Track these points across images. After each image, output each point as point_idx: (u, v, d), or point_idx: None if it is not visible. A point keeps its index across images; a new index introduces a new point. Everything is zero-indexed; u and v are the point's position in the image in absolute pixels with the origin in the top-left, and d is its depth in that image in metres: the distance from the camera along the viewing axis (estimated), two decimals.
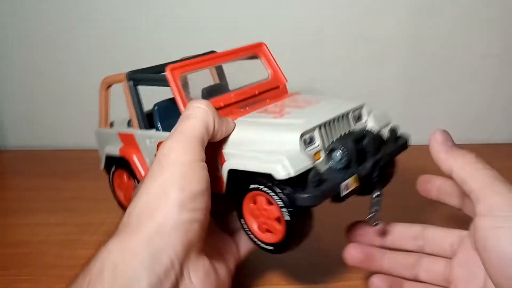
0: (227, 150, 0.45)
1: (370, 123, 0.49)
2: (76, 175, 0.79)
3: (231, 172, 0.44)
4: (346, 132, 0.46)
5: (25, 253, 0.58)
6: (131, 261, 0.35)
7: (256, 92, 0.52)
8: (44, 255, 0.58)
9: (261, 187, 0.42)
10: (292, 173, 0.40)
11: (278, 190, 0.41)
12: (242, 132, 0.45)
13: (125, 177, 0.60)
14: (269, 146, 0.42)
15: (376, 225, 0.46)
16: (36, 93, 0.90)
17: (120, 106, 0.62)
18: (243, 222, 0.45)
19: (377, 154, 0.45)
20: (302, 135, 0.42)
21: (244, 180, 0.44)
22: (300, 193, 0.40)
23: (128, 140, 0.57)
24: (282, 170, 0.40)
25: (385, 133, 0.50)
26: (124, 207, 0.62)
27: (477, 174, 0.39)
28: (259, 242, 0.45)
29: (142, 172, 0.56)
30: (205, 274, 0.40)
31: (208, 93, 0.50)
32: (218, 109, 0.46)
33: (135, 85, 0.54)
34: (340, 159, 0.43)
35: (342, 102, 0.48)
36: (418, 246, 0.45)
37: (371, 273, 0.53)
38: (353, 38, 0.85)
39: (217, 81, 0.60)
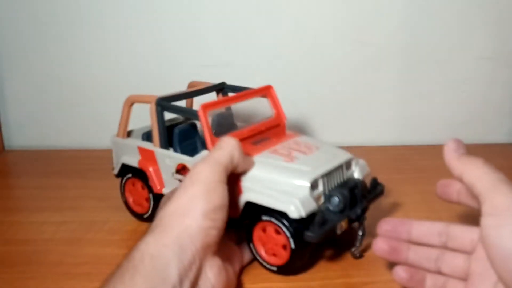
0: (245, 183, 0.53)
1: (356, 171, 0.58)
2: (81, 174, 0.79)
3: (247, 203, 0.53)
4: (342, 180, 0.55)
5: (30, 251, 0.59)
6: (164, 252, 0.43)
7: (263, 129, 0.61)
8: (49, 253, 0.58)
9: (273, 219, 0.51)
10: (303, 214, 0.49)
11: (287, 224, 0.50)
12: (259, 171, 0.53)
13: (139, 186, 0.64)
14: (283, 186, 0.51)
15: (360, 257, 0.55)
16: (41, 93, 0.90)
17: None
18: (252, 246, 0.54)
19: (363, 200, 0.55)
20: (311, 182, 0.51)
21: (256, 211, 0.52)
22: (308, 232, 0.49)
23: (147, 155, 0.62)
24: (295, 211, 0.49)
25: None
26: (130, 208, 0.66)
27: (484, 178, 0.42)
28: (264, 264, 0.54)
29: (158, 185, 0.61)
30: (218, 271, 0.46)
31: (219, 123, 0.59)
32: None
33: (162, 110, 0.60)
34: (337, 204, 0.52)
35: (337, 152, 0.58)
36: (442, 241, 0.48)
37: (367, 272, 0.54)
38: (349, 42, 0.85)
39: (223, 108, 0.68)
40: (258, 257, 0.54)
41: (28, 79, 0.90)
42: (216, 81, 0.69)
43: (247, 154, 0.54)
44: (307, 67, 0.87)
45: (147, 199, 0.63)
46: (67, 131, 0.92)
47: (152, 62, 0.87)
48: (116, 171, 0.66)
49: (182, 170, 0.58)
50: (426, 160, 0.82)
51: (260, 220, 0.52)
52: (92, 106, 0.90)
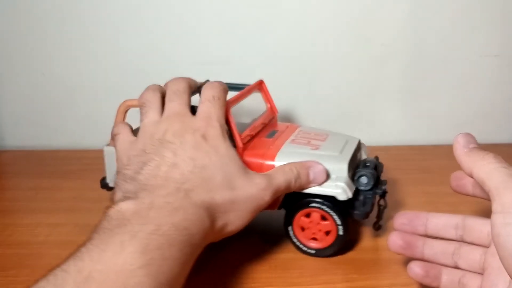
0: None
1: (363, 153, 0.63)
2: (76, 175, 0.78)
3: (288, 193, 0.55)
4: (359, 161, 0.60)
5: (24, 253, 0.58)
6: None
7: (267, 122, 0.64)
8: (43, 256, 0.57)
9: (323, 206, 0.54)
10: (350, 195, 0.53)
11: (337, 211, 0.54)
12: (290, 161, 0.55)
13: None
14: None
15: (379, 228, 0.59)
16: (35, 93, 0.89)
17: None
18: (290, 229, 0.56)
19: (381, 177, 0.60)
20: (347, 165, 0.55)
21: (296, 199, 0.55)
22: (357, 211, 0.54)
23: None
24: (343, 193, 0.53)
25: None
26: None
27: (494, 173, 0.40)
28: (301, 246, 0.56)
29: None
30: None
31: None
32: (251, 139, 0.58)
33: None
34: (367, 183, 0.56)
35: (346, 137, 0.62)
36: (458, 235, 0.48)
37: (370, 276, 0.53)
38: (352, 38, 0.85)
39: None
40: (295, 241, 0.56)
41: (22, 79, 0.89)
42: (214, 78, 0.68)
43: (269, 147, 0.57)
44: (308, 65, 0.86)
45: None
46: (61, 131, 0.91)
47: (148, 61, 0.86)
48: (113, 183, 0.59)
49: None
50: (430, 160, 0.82)
51: (307, 207, 0.55)
52: (87, 106, 0.89)
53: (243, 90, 0.61)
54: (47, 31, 0.85)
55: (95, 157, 0.83)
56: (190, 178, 0.47)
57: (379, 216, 0.58)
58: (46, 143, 0.91)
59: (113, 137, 0.56)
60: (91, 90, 0.89)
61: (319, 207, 0.54)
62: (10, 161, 0.88)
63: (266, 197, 0.50)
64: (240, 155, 0.55)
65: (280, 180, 0.52)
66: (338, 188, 0.53)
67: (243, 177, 0.50)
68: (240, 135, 0.56)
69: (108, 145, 0.60)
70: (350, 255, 0.57)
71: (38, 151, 0.90)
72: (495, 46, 0.85)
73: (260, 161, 0.55)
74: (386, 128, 0.90)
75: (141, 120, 0.54)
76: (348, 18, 0.84)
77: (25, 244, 0.60)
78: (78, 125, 0.91)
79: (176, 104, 0.53)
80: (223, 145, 0.51)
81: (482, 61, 0.86)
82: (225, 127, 0.53)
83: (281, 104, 0.68)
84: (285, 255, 0.57)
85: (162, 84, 0.67)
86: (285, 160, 0.55)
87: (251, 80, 0.67)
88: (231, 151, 0.51)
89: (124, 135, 0.55)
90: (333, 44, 0.85)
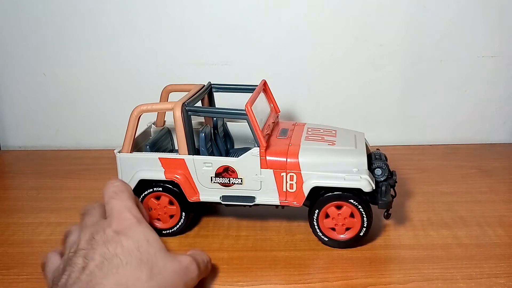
0: (305, 171, 0.57)
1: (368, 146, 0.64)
2: (77, 175, 0.79)
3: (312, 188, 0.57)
4: (371, 153, 0.61)
5: (27, 252, 0.58)
6: None
7: (275, 121, 0.66)
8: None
9: (360, 207, 0.56)
10: (373, 186, 0.55)
11: (364, 204, 0.56)
12: (314, 157, 0.57)
13: (165, 201, 0.61)
14: (344, 167, 0.56)
15: (388, 217, 0.59)
16: (37, 94, 0.89)
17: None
18: (316, 225, 0.58)
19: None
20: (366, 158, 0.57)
21: (320, 193, 0.57)
22: (380, 201, 0.56)
23: (174, 164, 0.59)
24: (368, 185, 0.55)
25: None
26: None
27: None
28: (320, 234, 0.58)
29: (194, 194, 0.59)
30: None
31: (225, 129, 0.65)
32: (268, 138, 0.60)
33: (190, 116, 0.59)
34: (381, 174, 0.59)
35: (353, 131, 0.64)
36: None
37: (367, 274, 0.54)
38: (350, 39, 0.85)
39: (207, 104, 0.68)
40: (316, 228, 0.58)
41: (24, 79, 0.89)
42: (215, 79, 0.69)
43: (288, 145, 0.59)
44: (307, 65, 0.86)
45: (173, 215, 0.60)
46: (62, 131, 0.92)
47: (150, 62, 0.86)
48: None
49: (223, 172, 0.58)
50: (428, 160, 0.82)
51: (329, 203, 0.56)
52: (88, 106, 0.89)
53: (255, 91, 0.61)
54: (48, 32, 0.86)
55: (95, 157, 0.84)
56: (97, 273, 0.43)
57: (389, 205, 0.58)
58: (48, 143, 0.91)
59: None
60: (92, 91, 0.89)
61: (356, 205, 0.56)
62: (12, 161, 0.88)
63: (193, 272, 0.48)
64: (263, 154, 0.57)
65: (202, 257, 0.50)
66: (363, 180, 0.55)
67: (164, 258, 0.46)
68: (263, 135, 0.57)
69: (119, 151, 0.60)
70: (348, 253, 0.57)
71: (39, 151, 0.90)
72: (493, 47, 0.86)
73: (283, 159, 0.57)
74: (384, 127, 0.90)
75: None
76: (346, 18, 0.84)
77: (27, 243, 0.60)
78: (78, 125, 0.91)
79: (87, 216, 0.51)
80: (138, 230, 0.47)
81: (479, 62, 0.86)
82: (139, 215, 0.49)
83: (280, 104, 0.69)
84: (284, 253, 0.57)
85: (162, 85, 0.68)
86: (308, 156, 0.57)
87: (251, 81, 0.67)
88: (150, 234, 0.47)
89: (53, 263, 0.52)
90: (332, 44, 0.85)
